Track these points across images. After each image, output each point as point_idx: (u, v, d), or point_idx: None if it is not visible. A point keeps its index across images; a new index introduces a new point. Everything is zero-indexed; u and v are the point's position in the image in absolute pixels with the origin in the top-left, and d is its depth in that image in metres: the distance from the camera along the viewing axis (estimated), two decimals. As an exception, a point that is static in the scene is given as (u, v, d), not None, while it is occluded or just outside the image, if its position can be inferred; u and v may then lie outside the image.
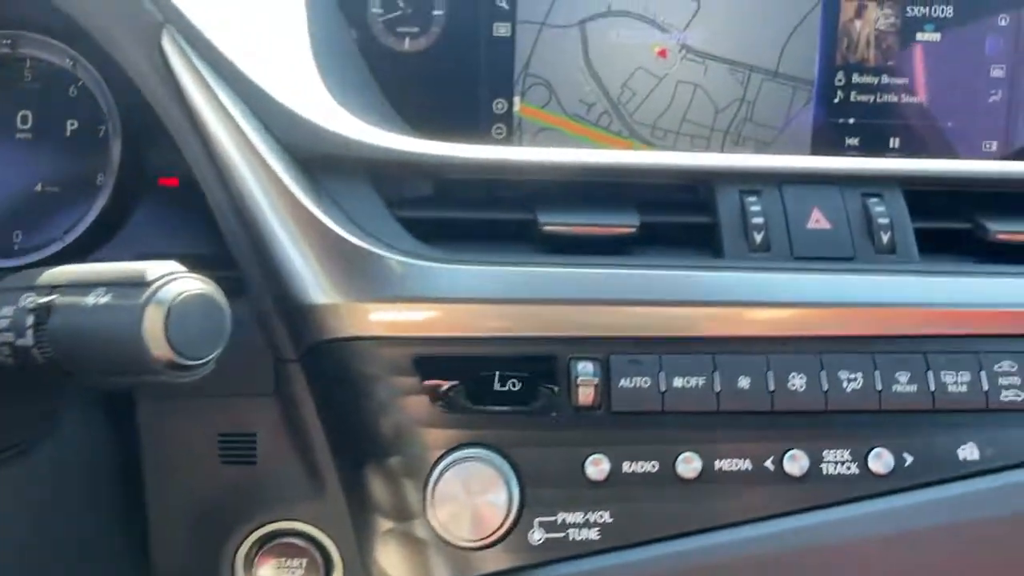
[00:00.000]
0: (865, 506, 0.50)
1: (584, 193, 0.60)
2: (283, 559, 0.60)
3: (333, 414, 0.55)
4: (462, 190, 0.63)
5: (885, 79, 0.82)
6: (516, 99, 0.81)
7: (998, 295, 0.54)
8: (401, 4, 0.79)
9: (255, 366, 0.57)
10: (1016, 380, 0.52)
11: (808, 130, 0.82)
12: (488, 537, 0.48)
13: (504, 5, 0.80)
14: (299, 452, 0.58)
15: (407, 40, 0.80)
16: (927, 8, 0.81)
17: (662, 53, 0.81)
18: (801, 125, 0.82)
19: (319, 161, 0.56)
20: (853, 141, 0.83)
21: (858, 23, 0.81)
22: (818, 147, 0.82)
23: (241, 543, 0.60)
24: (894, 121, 0.82)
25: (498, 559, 0.50)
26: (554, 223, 0.57)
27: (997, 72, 0.82)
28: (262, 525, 0.60)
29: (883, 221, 0.57)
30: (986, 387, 0.52)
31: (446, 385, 0.51)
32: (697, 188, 0.60)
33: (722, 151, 0.82)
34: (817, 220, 0.58)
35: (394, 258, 0.52)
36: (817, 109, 0.82)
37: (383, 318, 0.51)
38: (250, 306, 0.55)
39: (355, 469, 0.55)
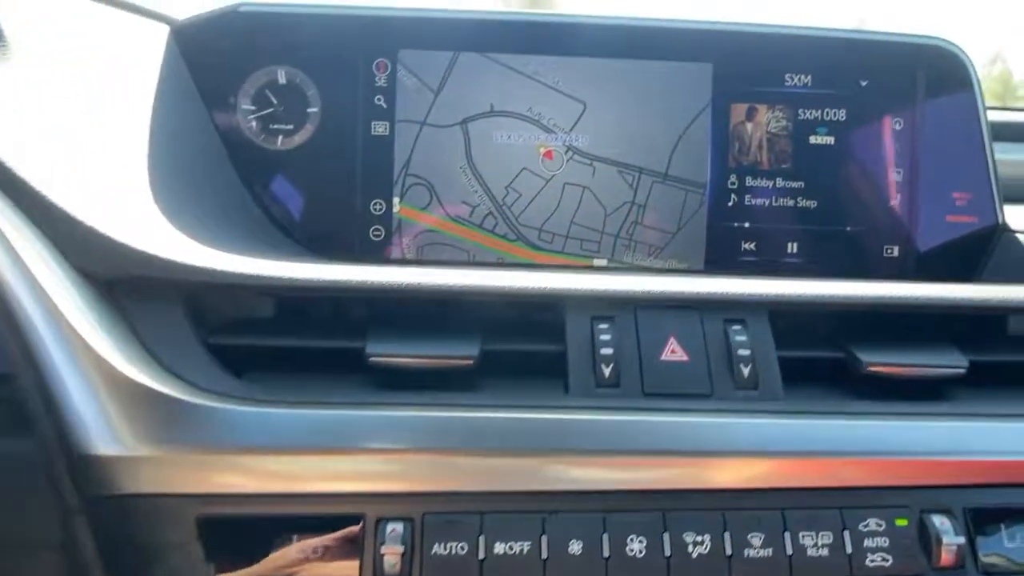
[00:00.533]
0: None
1: (424, 317, 0.55)
2: None
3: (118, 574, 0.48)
4: (296, 313, 0.58)
5: (780, 182, 0.79)
6: (395, 200, 0.77)
7: (865, 441, 0.49)
8: (274, 100, 0.76)
9: (39, 515, 0.50)
10: (883, 541, 0.47)
11: (703, 234, 0.79)
12: None
13: (382, 104, 0.77)
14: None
15: (280, 138, 0.76)
16: (819, 111, 0.79)
17: (548, 154, 0.78)
18: (695, 229, 0.79)
19: (124, 284, 0.51)
20: (749, 246, 0.79)
21: (749, 125, 0.79)
22: (713, 252, 0.79)
23: None
24: (791, 226, 0.79)
25: None
26: (382, 354, 0.51)
27: (895, 176, 0.80)
28: None
29: (744, 352, 0.52)
30: (850, 550, 0.46)
31: (231, 553, 0.45)
32: (544, 312, 0.55)
33: (612, 256, 0.78)
34: (673, 351, 0.53)
35: (180, 399, 0.46)
36: (711, 213, 0.79)
37: (160, 471, 0.45)
38: (36, 446, 0.49)
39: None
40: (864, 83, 0.80)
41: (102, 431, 0.46)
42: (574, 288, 0.54)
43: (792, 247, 0.79)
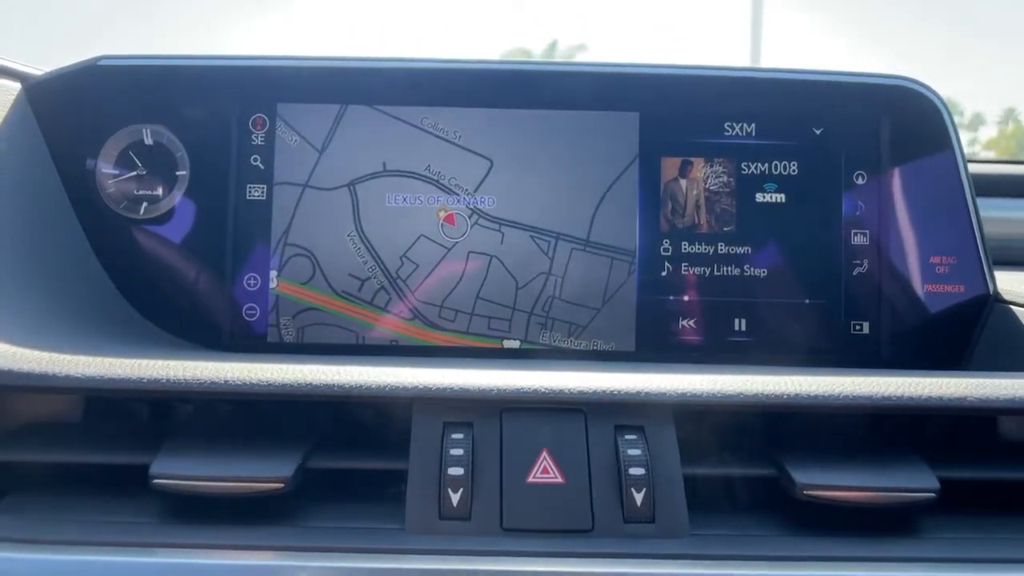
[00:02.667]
0: None
1: (236, 423, 0.44)
2: None
3: None
4: (99, 412, 0.46)
5: (722, 248, 0.68)
6: (272, 273, 0.67)
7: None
8: (138, 163, 0.67)
9: None
10: None
11: (632, 310, 0.67)
12: None
13: (259, 164, 0.67)
14: None
15: (144, 205, 0.67)
16: (767, 165, 0.68)
17: (449, 219, 0.67)
18: (623, 304, 0.67)
19: None
20: (688, 323, 0.67)
21: (683, 183, 0.68)
22: (645, 331, 0.67)
23: None
24: (737, 299, 0.67)
25: None
26: (168, 475, 0.40)
27: (859, 239, 0.68)
28: None
29: (637, 473, 0.40)
30: None
31: None
32: (390, 414, 0.43)
33: (525, 337, 0.66)
34: (545, 470, 0.41)
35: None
36: (641, 285, 0.67)
37: None
38: None
39: None
40: (819, 131, 0.69)
41: None
42: (424, 385, 0.43)
43: (740, 324, 0.67)
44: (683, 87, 0.68)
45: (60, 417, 0.49)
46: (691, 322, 0.67)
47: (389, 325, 0.67)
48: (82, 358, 0.44)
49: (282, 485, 0.40)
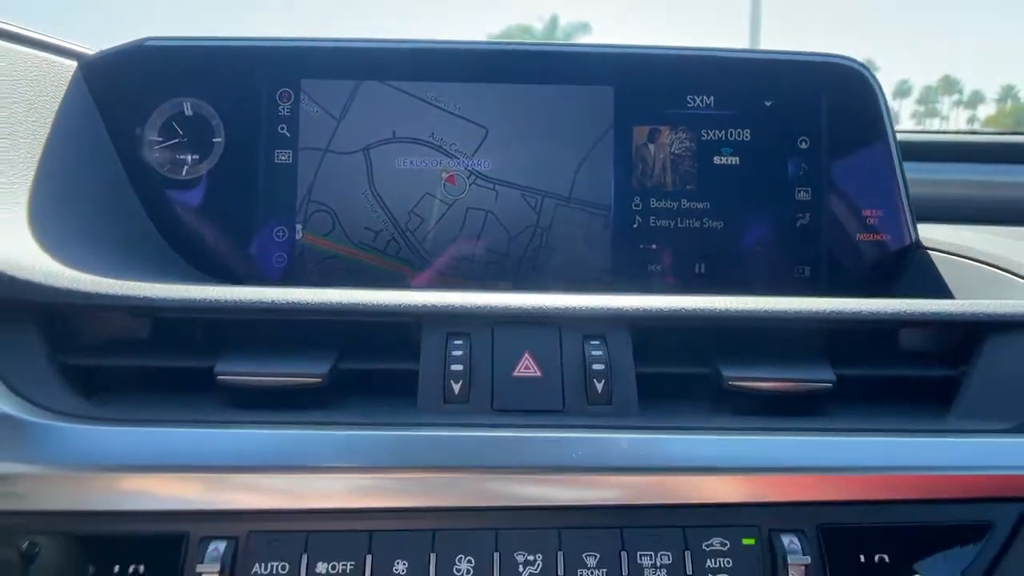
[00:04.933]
0: None
1: (279, 337, 0.54)
2: None
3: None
4: (162, 333, 0.57)
5: (685, 203, 0.79)
6: (298, 227, 0.77)
7: (714, 456, 0.47)
8: (180, 131, 0.77)
9: None
10: (727, 562, 0.44)
11: (608, 257, 0.78)
12: None
13: (285, 132, 0.78)
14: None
15: (185, 168, 0.77)
16: (723, 132, 0.79)
17: (450, 179, 0.78)
18: (601, 251, 0.78)
19: None
20: (656, 267, 0.78)
21: (652, 147, 0.79)
22: (620, 273, 0.78)
23: None
24: (697, 247, 0.78)
25: None
26: (230, 373, 0.51)
27: (802, 195, 0.79)
28: None
29: (598, 367, 0.51)
30: (690, 571, 0.44)
31: (54, 572, 0.44)
32: (405, 328, 0.54)
33: (516, 281, 0.77)
34: (527, 367, 0.52)
35: (11, 415, 0.46)
36: (616, 235, 0.78)
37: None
38: None
39: None
40: (768, 103, 0.80)
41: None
42: (431, 304, 0.54)
43: (699, 268, 0.78)
44: (651, 65, 0.78)
45: (131, 334, 0.59)
46: (658, 267, 0.78)
47: (399, 269, 0.77)
48: (158, 285, 0.54)
49: (320, 380, 0.51)
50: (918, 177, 0.85)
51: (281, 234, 0.77)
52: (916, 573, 0.45)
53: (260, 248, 0.77)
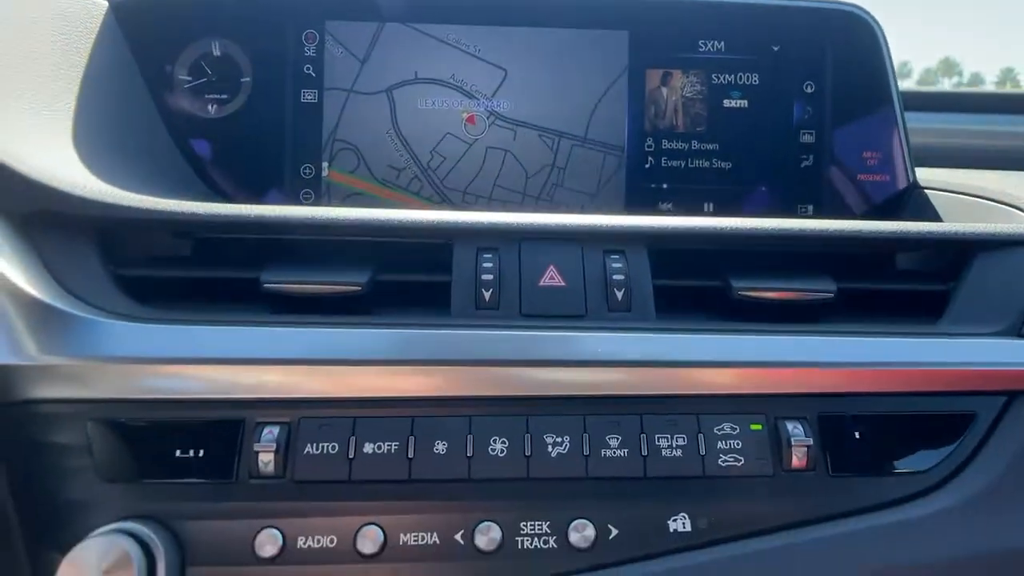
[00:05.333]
0: (561, 583, 0.45)
1: (320, 253, 0.58)
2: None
3: (21, 488, 0.51)
4: (208, 250, 0.61)
5: (695, 145, 0.82)
6: (324, 164, 0.81)
7: (725, 351, 0.51)
8: (209, 71, 0.80)
9: None
10: (736, 444, 0.49)
11: (621, 195, 0.82)
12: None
13: (311, 72, 0.81)
14: None
15: (214, 107, 0.80)
16: (733, 76, 0.83)
17: (471, 119, 0.81)
18: (614, 190, 0.82)
19: (37, 220, 0.55)
20: (667, 206, 0.82)
21: (664, 90, 0.82)
22: (632, 212, 0.81)
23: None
24: (707, 186, 0.82)
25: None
26: (275, 281, 0.54)
27: (807, 138, 0.83)
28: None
29: (619, 278, 0.55)
30: (703, 452, 0.48)
31: (117, 454, 0.48)
32: (436, 246, 0.58)
33: (532, 215, 0.81)
34: (552, 277, 0.56)
35: (79, 315, 0.50)
36: (629, 174, 0.82)
37: (57, 379, 0.48)
38: None
39: (38, 551, 0.50)
40: (776, 48, 0.83)
41: (4, 344, 0.49)
42: (463, 222, 0.57)
43: (708, 206, 0.82)
44: (665, 10, 0.81)
45: (178, 251, 0.63)
46: (669, 205, 0.82)
47: (421, 206, 0.81)
48: (206, 203, 0.58)
49: (360, 288, 0.55)
50: (918, 127, 0.89)
51: (308, 171, 0.81)
52: (907, 455, 0.49)
53: (288, 185, 0.80)
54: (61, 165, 0.59)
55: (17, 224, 0.54)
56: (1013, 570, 0.47)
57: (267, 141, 0.80)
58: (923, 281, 0.59)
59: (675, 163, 0.82)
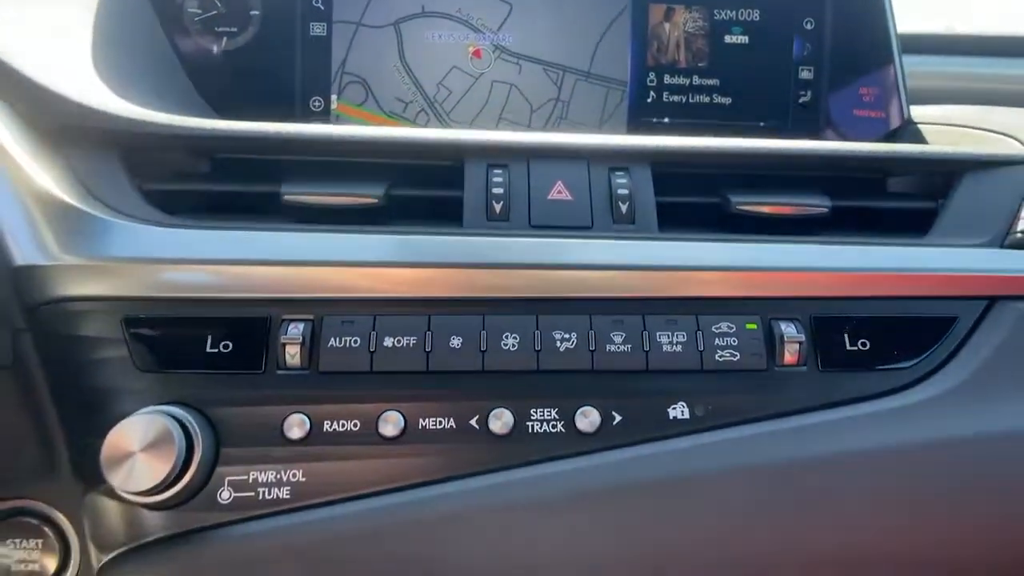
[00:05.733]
0: (568, 463, 0.49)
1: (337, 169, 0.61)
2: (19, 539, 0.58)
3: (58, 382, 0.53)
4: (227, 168, 0.63)
5: (696, 80, 0.84)
6: (333, 97, 0.83)
7: (723, 257, 0.54)
8: (218, 4, 0.81)
9: None
10: (733, 341, 0.52)
11: (623, 129, 0.84)
12: (163, 492, 0.46)
13: (320, 5, 0.82)
14: (35, 428, 0.56)
15: (224, 39, 0.82)
16: (734, 12, 0.84)
17: (477, 53, 0.83)
18: (616, 124, 0.84)
19: (66, 134, 0.57)
20: (667, 139, 0.84)
21: (667, 26, 0.84)
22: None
23: (-26, 522, 0.58)
24: (707, 120, 0.84)
25: (186, 519, 0.48)
26: (295, 193, 0.57)
27: (805, 74, 0.85)
28: (-3, 503, 0.58)
29: (623, 192, 0.58)
30: (702, 348, 0.51)
31: (154, 348, 0.51)
32: (449, 166, 0.60)
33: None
34: (560, 192, 0.58)
35: (110, 219, 0.52)
36: (631, 108, 0.84)
37: (92, 279, 0.50)
38: None
39: (77, 438, 0.53)
40: (777, -15, 0.85)
41: (39, 245, 0.52)
42: (474, 140, 0.60)
43: (708, 140, 0.84)
44: (668, -55, 0.83)
45: (198, 168, 0.65)
46: (669, 139, 0.84)
47: (428, 139, 0.83)
48: (226, 121, 0.60)
49: (376, 200, 0.57)
50: (915, 70, 0.91)
51: (317, 104, 0.83)
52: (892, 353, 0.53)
53: (298, 118, 0.82)
54: (86, 86, 0.61)
55: (47, 138, 0.56)
56: (983, 453, 0.50)
57: (277, 74, 0.82)
58: (913, 200, 0.62)
59: (676, 98, 0.84)
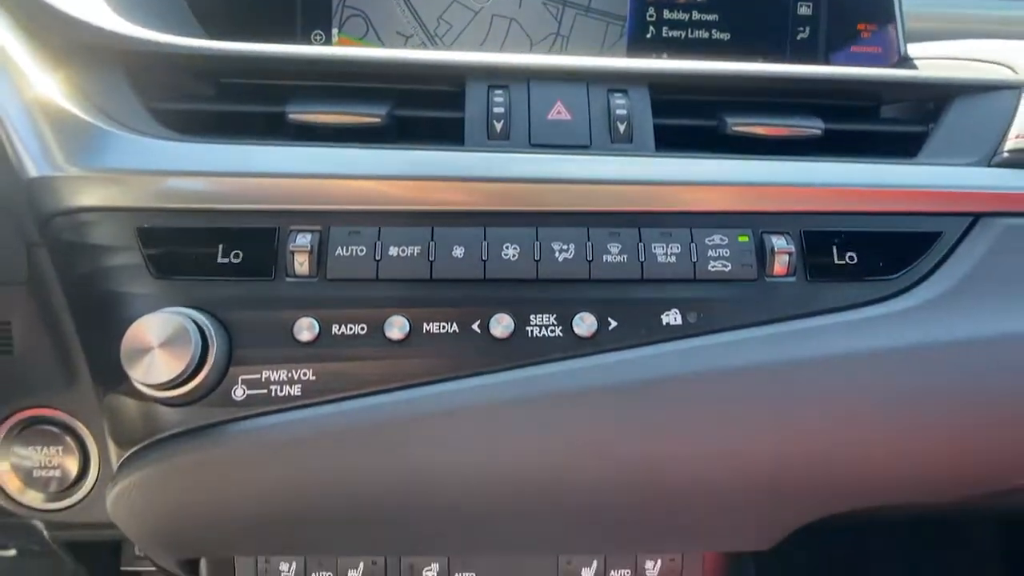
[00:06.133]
0: (566, 364, 0.51)
1: (340, 90, 0.62)
2: (40, 446, 0.60)
3: (74, 293, 0.56)
4: (232, 91, 0.64)
5: (695, 15, 0.85)
6: (334, 31, 0.83)
7: (716, 174, 0.55)
8: (218, -64, 0.81)
9: (6, 254, 0.57)
10: (725, 252, 0.54)
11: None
12: (180, 387, 0.49)
13: (321, -63, 0.82)
14: (53, 340, 0.59)
15: (225, -28, 0.82)
16: (734, -53, 0.85)
17: (477, -14, 0.83)
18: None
19: (75, 52, 0.58)
20: (666, 75, 0.85)
21: (667, -40, 0.84)
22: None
23: (-3, 431, 0.60)
24: (706, 56, 0.85)
25: (203, 414, 0.50)
26: (300, 112, 0.58)
27: (804, 9, 0.86)
28: (17, 412, 0.60)
29: (621, 112, 0.59)
30: (695, 258, 0.53)
31: (168, 256, 0.53)
32: (450, 90, 0.61)
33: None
34: (559, 112, 0.60)
35: (121, 133, 0.54)
36: (630, 44, 0.85)
37: (106, 189, 0.52)
38: None
39: (96, 344, 0.55)
40: (776, -81, 0.85)
41: (52, 158, 0.53)
42: (475, 62, 0.61)
43: (706, 76, 0.85)
44: None
45: (202, 91, 0.66)
46: (667, 74, 0.85)
47: (430, 73, 0.84)
48: (231, 42, 0.61)
49: (379, 120, 0.59)
50: (914, 11, 0.91)
51: (319, 37, 0.83)
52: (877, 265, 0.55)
53: (301, 50, 0.83)
54: (90, 7, 0.62)
55: (56, 56, 0.58)
56: (962, 358, 0.53)
57: (278, 7, 0.82)
58: (905, 123, 0.64)
59: (675, 33, 0.85)
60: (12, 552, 0.78)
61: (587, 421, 0.51)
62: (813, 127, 0.60)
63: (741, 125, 0.60)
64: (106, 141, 0.54)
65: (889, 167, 0.57)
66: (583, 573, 0.64)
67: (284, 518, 0.55)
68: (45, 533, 0.68)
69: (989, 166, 0.58)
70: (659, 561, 0.65)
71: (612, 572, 0.64)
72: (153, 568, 0.82)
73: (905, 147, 0.62)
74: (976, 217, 0.56)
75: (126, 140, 0.54)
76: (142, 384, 0.48)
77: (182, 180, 0.53)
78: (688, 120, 0.62)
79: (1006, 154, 0.58)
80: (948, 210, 0.56)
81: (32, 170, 0.54)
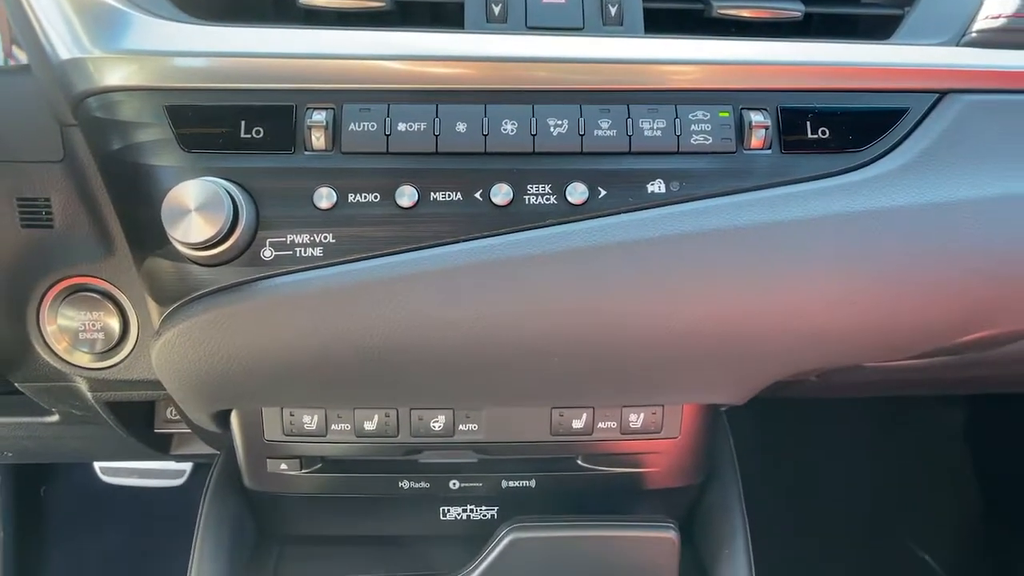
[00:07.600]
0: (560, 227, 0.57)
1: None
2: (83, 311, 0.67)
3: (109, 168, 0.60)
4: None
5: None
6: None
7: (699, 52, 0.60)
8: None
9: (43, 134, 0.62)
10: (707, 127, 0.58)
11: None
12: (215, 248, 0.54)
13: None
14: (90, 214, 0.64)
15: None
16: None
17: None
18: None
19: None
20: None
21: None
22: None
23: (43, 296, 0.66)
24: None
25: (236, 273, 0.56)
26: None
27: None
28: (60, 280, 0.66)
29: None
30: (678, 132, 0.58)
31: (195, 131, 0.57)
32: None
33: None
34: (554, -3, 0.63)
35: (144, 16, 0.57)
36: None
37: (132, 70, 0.56)
38: (32, 77, 0.60)
39: (132, 214, 0.61)
40: None
41: (81, 41, 0.57)
42: None
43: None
44: None
45: None
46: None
47: None
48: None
49: (383, 4, 0.62)
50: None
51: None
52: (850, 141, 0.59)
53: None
54: None
55: None
56: (924, 221, 0.58)
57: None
58: (882, 6, 0.67)
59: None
60: (55, 417, 0.86)
61: (578, 279, 0.57)
62: (794, 9, 0.63)
63: (726, 8, 0.63)
64: (130, 24, 0.58)
65: (862, 47, 0.61)
66: (574, 424, 0.72)
67: (307, 370, 0.62)
68: (89, 395, 0.76)
69: (958, 46, 0.62)
70: (642, 414, 0.73)
71: (600, 423, 0.72)
72: (185, 430, 0.91)
73: (884, 30, 0.66)
74: (942, 94, 0.61)
75: (149, 23, 0.58)
76: (181, 243, 0.54)
77: (204, 61, 0.57)
78: (675, 3, 0.65)
79: (974, 34, 0.62)
80: (915, 87, 0.61)
81: (63, 52, 0.57)
